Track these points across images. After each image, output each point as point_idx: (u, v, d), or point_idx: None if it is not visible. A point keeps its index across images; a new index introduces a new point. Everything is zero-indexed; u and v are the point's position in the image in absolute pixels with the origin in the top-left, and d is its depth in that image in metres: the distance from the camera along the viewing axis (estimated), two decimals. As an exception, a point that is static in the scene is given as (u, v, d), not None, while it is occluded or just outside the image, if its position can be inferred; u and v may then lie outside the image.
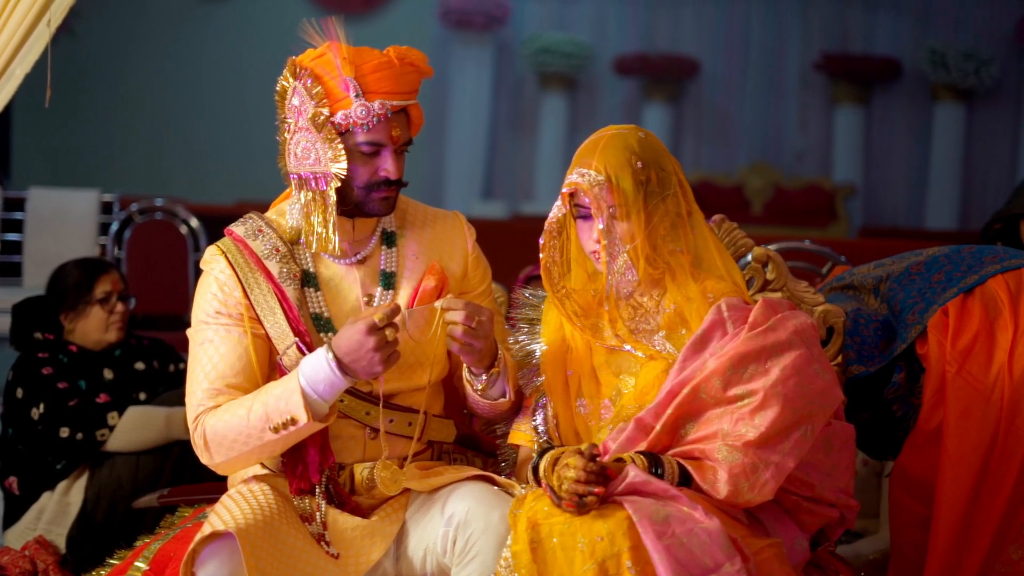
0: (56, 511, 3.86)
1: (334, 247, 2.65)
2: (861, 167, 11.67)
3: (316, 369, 2.49)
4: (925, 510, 3.16)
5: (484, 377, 2.68)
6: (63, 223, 6.51)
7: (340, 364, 2.48)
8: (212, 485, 3.29)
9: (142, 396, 4.01)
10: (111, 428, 3.83)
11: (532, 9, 12.06)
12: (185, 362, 4.12)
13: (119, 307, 4.04)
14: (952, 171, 11.41)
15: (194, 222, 6.62)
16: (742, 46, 11.96)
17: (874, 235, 10.54)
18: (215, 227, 6.55)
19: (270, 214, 2.77)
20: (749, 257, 3.07)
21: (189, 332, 2.68)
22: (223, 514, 2.50)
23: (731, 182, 11.62)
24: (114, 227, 6.54)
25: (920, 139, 11.61)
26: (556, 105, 11.87)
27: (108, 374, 4.00)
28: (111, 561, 2.82)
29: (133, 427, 3.83)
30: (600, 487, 2.40)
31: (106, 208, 6.62)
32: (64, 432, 3.81)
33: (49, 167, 11.09)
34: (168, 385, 4.09)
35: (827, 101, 11.77)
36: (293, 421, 2.49)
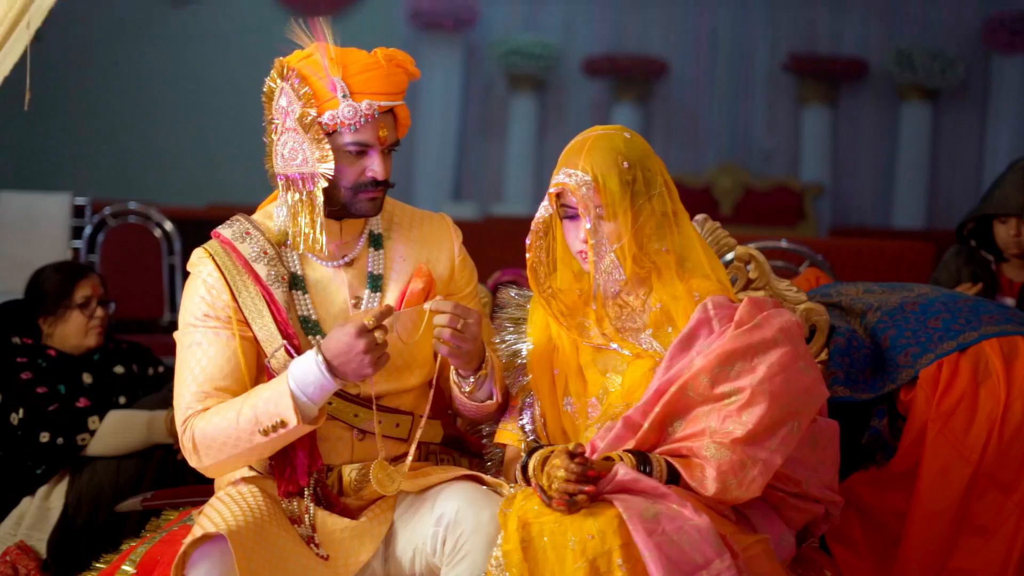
0: (37, 516, 3.84)
1: (321, 248, 2.64)
2: (829, 167, 11.74)
3: (306, 372, 2.49)
4: (862, 534, 3.24)
5: (472, 379, 2.68)
6: (34, 227, 6.44)
7: (330, 366, 2.48)
8: (196, 488, 3.29)
9: (122, 400, 3.98)
10: (92, 432, 3.81)
11: (501, 11, 12.07)
12: (164, 365, 4.12)
13: (99, 312, 4.01)
14: (919, 170, 11.51)
15: (168, 225, 6.57)
16: (710, 47, 12.01)
17: (843, 234, 10.60)
18: (186, 230, 6.55)
19: (257, 216, 2.76)
20: (730, 256, 3.09)
21: (176, 335, 2.68)
22: (213, 516, 2.50)
23: (700, 182, 11.66)
24: (87, 231, 6.50)
25: (887, 139, 11.70)
26: (525, 106, 11.89)
27: (87, 378, 3.98)
28: (98, 565, 2.82)
29: (114, 431, 3.81)
30: (590, 486, 2.41)
31: (78, 212, 6.57)
32: (44, 437, 3.78)
33: (17, 170, 11.01)
34: (147, 388, 4.07)
35: (795, 101, 11.84)
36: (283, 424, 2.49)
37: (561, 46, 11.86)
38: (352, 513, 2.65)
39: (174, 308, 6.27)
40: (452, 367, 2.69)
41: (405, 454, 2.69)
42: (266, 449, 2.55)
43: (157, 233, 6.59)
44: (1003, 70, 11.33)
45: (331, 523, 2.61)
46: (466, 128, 12.11)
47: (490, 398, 2.73)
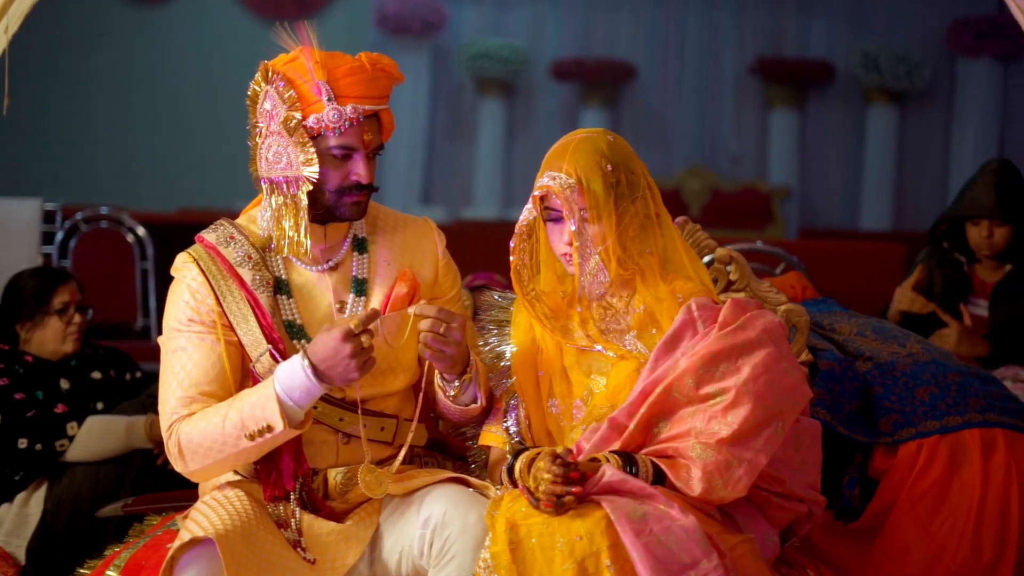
0: (15, 523, 3.82)
1: (306, 251, 2.65)
2: (796, 169, 11.79)
3: (292, 376, 2.49)
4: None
5: (456, 383, 2.69)
6: (4, 233, 6.39)
7: (316, 371, 2.48)
8: (177, 493, 3.28)
9: (99, 405, 3.96)
10: (70, 438, 3.79)
11: (469, 15, 12.06)
12: (142, 370, 4.11)
13: (77, 318, 3.99)
14: (885, 172, 11.57)
15: (140, 230, 6.55)
16: (678, 50, 12.04)
17: (811, 236, 10.65)
18: (159, 235, 6.52)
19: (241, 220, 2.75)
20: (709, 258, 3.11)
21: (160, 339, 2.67)
22: (201, 520, 2.49)
23: (668, 185, 11.68)
24: (59, 236, 6.46)
25: (854, 141, 11.76)
26: (494, 110, 11.88)
27: (65, 384, 3.95)
28: (81, 571, 2.81)
29: (93, 437, 3.79)
30: (577, 487, 2.42)
31: (48, 217, 6.52)
32: (23, 443, 3.76)
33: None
34: (125, 394, 4.05)
35: (762, 104, 11.88)
36: (269, 428, 2.49)
37: (529, 50, 11.86)
38: (338, 516, 2.65)
39: (147, 313, 6.25)
40: (436, 371, 2.69)
41: (389, 457, 2.69)
42: (252, 454, 2.55)
43: (129, 238, 6.56)
44: (968, 73, 11.42)
45: (317, 527, 2.61)
46: (434, 132, 12.09)
47: (474, 402, 2.74)
